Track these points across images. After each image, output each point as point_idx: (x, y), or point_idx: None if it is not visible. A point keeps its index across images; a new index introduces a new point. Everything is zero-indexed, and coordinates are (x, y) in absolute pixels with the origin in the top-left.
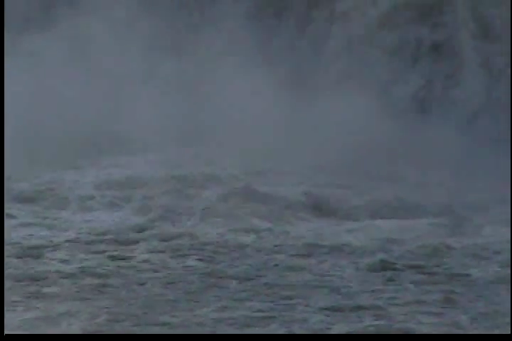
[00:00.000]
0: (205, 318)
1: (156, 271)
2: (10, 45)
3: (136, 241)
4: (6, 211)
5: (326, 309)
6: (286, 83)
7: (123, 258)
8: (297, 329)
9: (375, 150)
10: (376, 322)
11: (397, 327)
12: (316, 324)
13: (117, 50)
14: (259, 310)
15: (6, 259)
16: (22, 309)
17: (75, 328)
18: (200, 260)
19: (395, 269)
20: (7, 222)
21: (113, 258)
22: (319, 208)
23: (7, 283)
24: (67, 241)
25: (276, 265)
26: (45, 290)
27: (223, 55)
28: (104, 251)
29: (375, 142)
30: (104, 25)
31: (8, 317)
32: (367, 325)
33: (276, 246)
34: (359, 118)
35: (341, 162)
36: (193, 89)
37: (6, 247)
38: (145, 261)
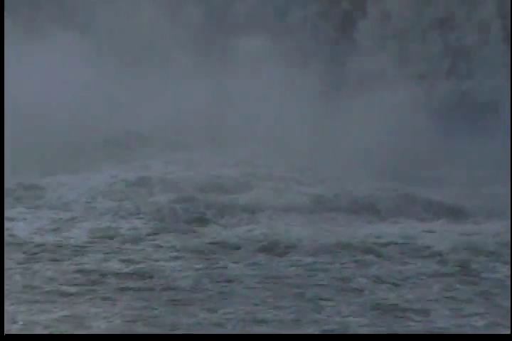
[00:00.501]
0: (230, 319)
1: (179, 274)
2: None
3: (156, 244)
4: (17, 215)
5: (357, 310)
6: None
7: (143, 261)
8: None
9: (416, 151)
10: (415, 323)
11: (438, 328)
12: (352, 325)
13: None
14: (290, 312)
15: (28, 263)
16: (44, 310)
17: (97, 329)
18: (229, 262)
19: (424, 273)
20: (19, 226)
21: (132, 261)
22: (353, 210)
23: (31, 284)
24: (86, 242)
25: (303, 266)
26: (67, 291)
27: (253, 52)
28: (120, 254)
29: (415, 143)
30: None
31: (31, 318)
32: (406, 325)
33: (302, 247)
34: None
35: (377, 163)
36: (218, 85)
37: (21, 250)
38: (165, 264)
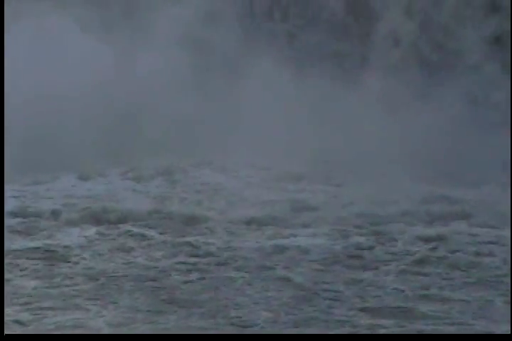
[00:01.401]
0: (236, 322)
1: (185, 277)
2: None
3: (146, 248)
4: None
5: (372, 311)
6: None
7: (142, 265)
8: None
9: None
10: (432, 324)
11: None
12: (367, 326)
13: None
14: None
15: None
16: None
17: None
18: (236, 267)
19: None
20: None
21: (133, 264)
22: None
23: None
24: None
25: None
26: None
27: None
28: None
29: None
30: None
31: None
32: (422, 327)
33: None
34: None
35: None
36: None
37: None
38: (171, 267)
